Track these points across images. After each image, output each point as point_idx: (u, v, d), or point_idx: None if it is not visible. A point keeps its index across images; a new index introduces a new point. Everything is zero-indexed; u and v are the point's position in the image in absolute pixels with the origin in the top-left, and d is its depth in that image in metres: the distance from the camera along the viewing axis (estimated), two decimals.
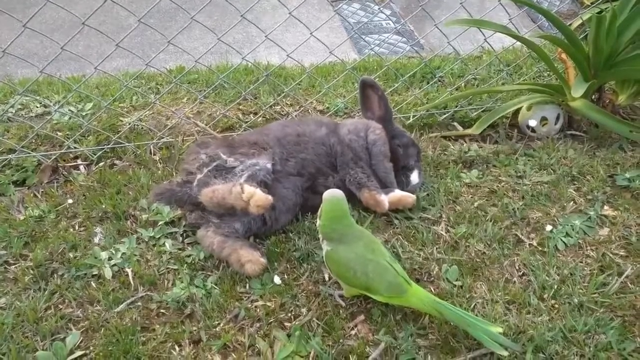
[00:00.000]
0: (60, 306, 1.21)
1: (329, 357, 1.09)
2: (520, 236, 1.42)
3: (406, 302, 1.12)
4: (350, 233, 1.16)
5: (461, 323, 1.06)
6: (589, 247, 1.38)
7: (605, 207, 1.52)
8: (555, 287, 1.23)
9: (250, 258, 1.25)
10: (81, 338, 1.12)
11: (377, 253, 1.13)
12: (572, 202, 1.54)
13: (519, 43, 2.30)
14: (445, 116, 2.05)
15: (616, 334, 1.12)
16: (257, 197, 1.25)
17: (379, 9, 3.18)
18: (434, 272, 1.29)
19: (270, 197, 1.26)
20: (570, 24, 2.63)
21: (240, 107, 2.11)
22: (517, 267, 1.31)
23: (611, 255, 1.35)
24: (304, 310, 1.21)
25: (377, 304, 1.20)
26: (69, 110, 2.01)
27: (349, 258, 1.13)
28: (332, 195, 1.16)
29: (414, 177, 1.58)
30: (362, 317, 1.18)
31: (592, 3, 2.68)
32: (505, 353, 1.03)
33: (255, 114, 2.07)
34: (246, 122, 2.00)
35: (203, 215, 1.38)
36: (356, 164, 1.49)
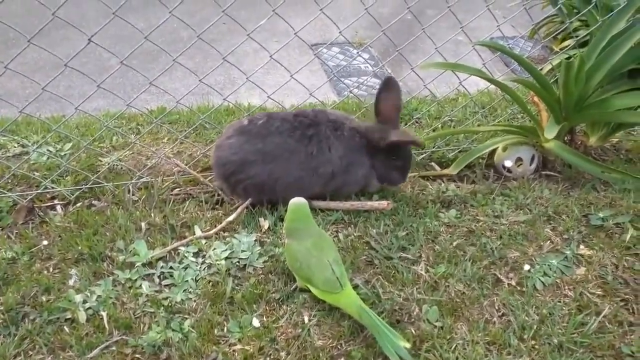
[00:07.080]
0: (31, 352, 1.17)
1: None
2: (499, 276, 1.42)
3: (337, 301, 1.25)
4: (306, 232, 1.33)
5: (373, 330, 1.17)
6: (566, 287, 1.39)
7: (581, 247, 1.54)
8: (535, 327, 1.23)
9: None
10: None
11: (322, 252, 1.28)
12: (548, 242, 1.56)
13: (493, 86, 2.37)
14: (423, 156, 2.08)
15: None
16: None
17: (357, 52, 3.26)
18: (415, 313, 1.28)
19: None
20: (541, 69, 2.73)
21: None
22: (496, 307, 1.31)
23: (588, 294, 1.36)
24: (283, 354, 1.18)
25: (357, 346, 1.18)
26: (48, 150, 1.99)
27: (298, 252, 1.30)
28: (296, 202, 1.34)
29: None
30: None
31: (561, 49, 2.79)
32: None
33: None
34: None
35: None
36: None
